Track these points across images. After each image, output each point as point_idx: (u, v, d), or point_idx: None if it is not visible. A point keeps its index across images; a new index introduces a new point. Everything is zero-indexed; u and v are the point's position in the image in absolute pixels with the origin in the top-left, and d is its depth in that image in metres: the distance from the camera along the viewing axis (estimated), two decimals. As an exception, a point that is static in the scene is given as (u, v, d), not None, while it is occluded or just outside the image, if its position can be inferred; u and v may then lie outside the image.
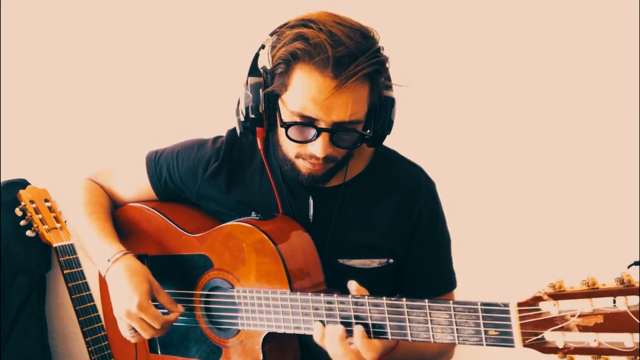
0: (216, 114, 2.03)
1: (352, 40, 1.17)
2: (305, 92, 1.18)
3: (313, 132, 1.21)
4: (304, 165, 1.29)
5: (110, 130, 2.34)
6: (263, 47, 1.28)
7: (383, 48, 1.24)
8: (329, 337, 1.17)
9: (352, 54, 1.16)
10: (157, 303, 1.38)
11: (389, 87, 1.29)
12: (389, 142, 1.47)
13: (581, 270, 1.79)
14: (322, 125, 1.20)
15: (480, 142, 1.98)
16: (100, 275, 1.53)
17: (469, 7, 1.94)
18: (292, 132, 1.23)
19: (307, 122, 1.20)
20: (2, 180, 2.26)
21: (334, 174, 1.34)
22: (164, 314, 1.37)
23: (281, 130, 1.27)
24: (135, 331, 1.37)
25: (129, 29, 2.30)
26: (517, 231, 1.95)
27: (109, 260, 1.39)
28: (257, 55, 1.30)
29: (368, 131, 1.28)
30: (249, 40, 1.38)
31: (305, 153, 1.26)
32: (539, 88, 1.91)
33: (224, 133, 1.49)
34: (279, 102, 1.25)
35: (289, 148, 1.29)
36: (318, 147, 1.22)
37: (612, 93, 1.84)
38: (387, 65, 1.26)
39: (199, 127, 1.63)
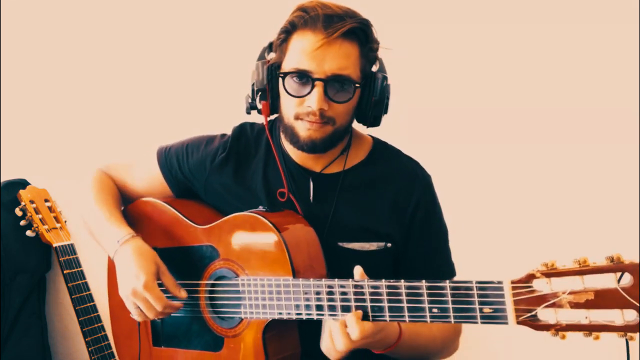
0: (219, 115, 2.05)
1: (341, 9, 1.32)
2: (299, 49, 1.30)
3: (308, 86, 1.30)
4: (302, 128, 1.34)
5: (110, 131, 2.35)
6: (272, 44, 1.38)
7: (372, 27, 1.35)
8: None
9: (340, 16, 1.30)
10: (164, 288, 1.41)
11: (383, 70, 1.40)
12: (387, 137, 1.51)
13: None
14: (316, 76, 1.29)
15: (478, 136, 1.99)
16: (109, 269, 1.57)
17: (469, 5, 1.97)
18: (289, 85, 1.32)
19: (302, 73, 1.30)
20: (2, 180, 2.27)
21: (333, 143, 1.39)
22: (169, 298, 1.39)
23: (283, 100, 1.36)
24: (140, 310, 1.39)
25: (129, 30, 2.32)
26: (519, 235, 1.96)
27: (117, 242, 1.44)
28: (264, 49, 1.41)
29: (358, 85, 1.34)
30: (254, 41, 1.44)
31: (303, 112, 1.33)
32: (530, 77, 1.92)
33: (229, 131, 1.56)
34: (280, 71, 1.34)
35: (289, 111, 1.36)
36: (314, 99, 1.29)
37: (611, 89, 1.86)
38: (377, 46, 1.36)
39: (201, 127, 1.65)
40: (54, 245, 2.11)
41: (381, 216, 1.41)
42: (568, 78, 1.89)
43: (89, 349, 2.04)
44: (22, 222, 2.14)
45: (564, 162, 1.91)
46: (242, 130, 1.54)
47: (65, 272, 2.07)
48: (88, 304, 2.07)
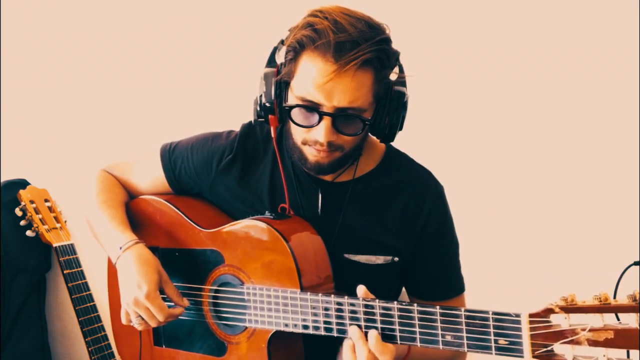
0: (219, 115, 2.03)
1: (355, 28, 1.20)
2: (307, 77, 1.22)
3: (316, 117, 1.24)
4: (310, 153, 1.30)
5: (110, 130, 2.33)
6: (282, 42, 1.31)
7: (391, 41, 1.26)
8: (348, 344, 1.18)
9: (354, 41, 1.19)
10: (165, 295, 1.39)
11: (402, 83, 1.31)
12: (399, 144, 1.48)
13: (582, 270, 1.82)
14: (324, 109, 1.22)
15: (491, 148, 1.98)
16: (109, 265, 1.55)
17: (479, 12, 1.94)
18: (295, 115, 1.26)
19: (310, 105, 1.23)
20: (2, 180, 2.26)
21: (342, 165, 1.35)
22: (170, 306, 1.38)
23: (290, 123, 1.29)
24: (142, 319, 1.38)
25: (128, 29, 2.29)
26: (519, 235, 1.95)
27: (120, 248, 1.41)
28: (275, 49, 1.32)
29: (368, 122, 1.27)
30: (264, 37, 1.40)
31: (310, 139, 1.28)
32: (551, 96, 1.90)
33: (235, 128, 1.51)
34: (288, 89, 1.28)
35: (296, 134, 1.31)
36: (321, 132, 1.24)
37: (615, 97, 1.84)
38: (397, 58, 1.28)
39: (203, 126, 1.62)
40: (54, 245, 2.10)
41: (390, 228, 1.38)
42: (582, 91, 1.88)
43: (89, 349, 2.05)
44: (22, 222, 2.13)
45: (572, 175, 1.90)
46: (252, 129, 1.48)
47: (65, 272, 2.07)
48: (88, 304, 2.07)
